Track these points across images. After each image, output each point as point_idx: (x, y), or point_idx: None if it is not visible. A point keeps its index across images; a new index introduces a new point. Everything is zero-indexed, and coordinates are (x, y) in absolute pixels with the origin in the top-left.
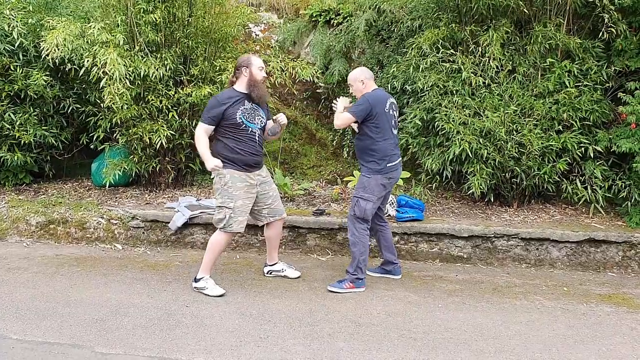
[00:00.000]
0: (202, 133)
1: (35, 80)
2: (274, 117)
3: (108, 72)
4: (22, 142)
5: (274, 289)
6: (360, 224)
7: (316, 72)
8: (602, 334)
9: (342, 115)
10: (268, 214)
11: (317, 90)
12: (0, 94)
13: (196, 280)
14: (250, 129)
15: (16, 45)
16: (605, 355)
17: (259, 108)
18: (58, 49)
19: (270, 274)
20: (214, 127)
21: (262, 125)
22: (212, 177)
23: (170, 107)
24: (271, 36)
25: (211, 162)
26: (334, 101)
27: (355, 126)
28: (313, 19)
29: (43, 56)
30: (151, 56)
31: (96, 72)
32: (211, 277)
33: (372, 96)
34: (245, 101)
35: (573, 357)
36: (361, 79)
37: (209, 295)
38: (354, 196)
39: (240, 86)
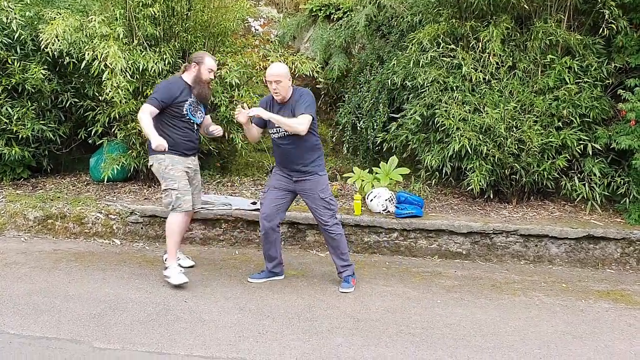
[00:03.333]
0: (147, 114)
1: (33, 74)
2: (212, 129)
3: (110, 64)
4: (20, 136)
5: (273, 284)
6: (337, 219)
7: (316, 67)
8: (601, 330)
9: (305, 119)
10: None
11: (317, 86)
12: None
13: (165, 269)
14: (192, 121)
15: (14, 38)
16: (603, 352)
17: (200, 104)
18: (58, 40)
19: (166, 260)
20: (158, 111)
21: (201, 120)
22: (150, 164)
23: None
24: (271, 31)
25: (157, 140)
26: (241, 109)
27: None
28: (313, 14)
29: (41, 49)
30: (150, 50)
31: (97, 65)
32: (179, 263)
33: (310, 92)
34: (192, 94)
35: (571, 353)
36: (289, 77)
37: (172, 284)
38: (323, 198)
39: (188, 78)
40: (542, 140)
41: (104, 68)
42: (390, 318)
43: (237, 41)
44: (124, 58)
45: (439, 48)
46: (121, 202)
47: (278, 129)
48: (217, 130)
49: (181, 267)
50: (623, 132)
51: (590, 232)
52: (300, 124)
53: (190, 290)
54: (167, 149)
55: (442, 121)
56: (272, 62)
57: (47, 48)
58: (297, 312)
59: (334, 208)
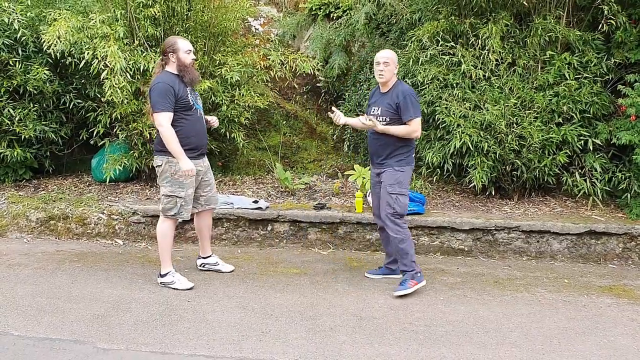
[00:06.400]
0: (168, 124)
1: (35, 75)
2: (208, 118)
3: (109, 64)
4: (22, 137)
5: (275, 283)
6: (401, 220)
7: (316, 66)
8: (603, 325)
9: (418, 125)
10: (205, 202)
11: (317, 85)
12: None
13: (161, 276)
14: (198, 111)
15: (16, 37)
16: (605, 347)
17: (194, 90)
18: (60, 41)
19: (204, 266)
20: (173, 114)
21: (202, 107)
22: (156, 164)
23: None
24: (271, 30)
25: (188, 164)
26: (368, 120)
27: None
28: (312, 13)
29: (43, 51)
30: (150, 51)
31: (97, 64)
32: (176, 270)
33: (413, 91)
34: (185, 84)
35: (574, 349)
36: (396, 65)
37: (178, 289)
38: (390, 193)
39: (173, 70)
40: (542, 136)
41: (103, 67)
42: (393, 315)
43: (238, 41)
44: (124, 58)
45: (438, 45)
46: (123, 203)
47: (370, 115)
48: (213, 120)
49: (221, 272)
50: (623, 127)
51: (591, 227)
52: (415, 131)
53: (193, 290)
54: (194, 174)
55: (443, 118)
56: (272, 60)
57: (49, 49)
58: (300, 311)
59: (396, 209)
